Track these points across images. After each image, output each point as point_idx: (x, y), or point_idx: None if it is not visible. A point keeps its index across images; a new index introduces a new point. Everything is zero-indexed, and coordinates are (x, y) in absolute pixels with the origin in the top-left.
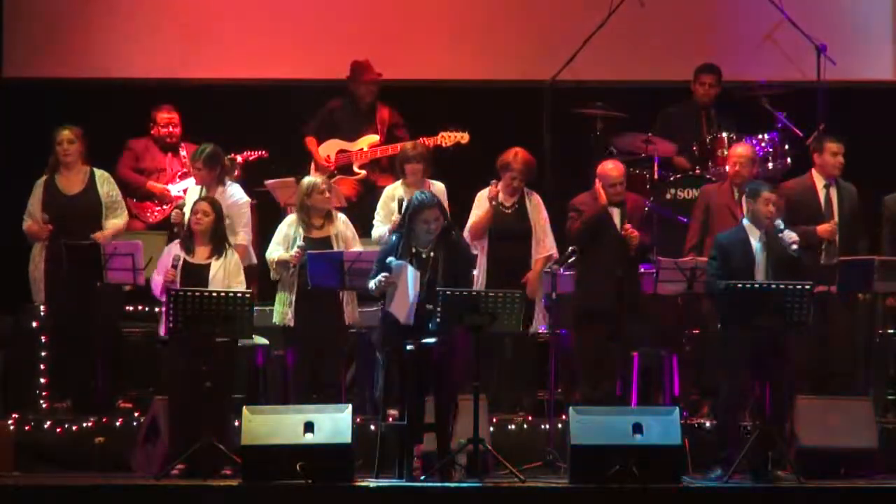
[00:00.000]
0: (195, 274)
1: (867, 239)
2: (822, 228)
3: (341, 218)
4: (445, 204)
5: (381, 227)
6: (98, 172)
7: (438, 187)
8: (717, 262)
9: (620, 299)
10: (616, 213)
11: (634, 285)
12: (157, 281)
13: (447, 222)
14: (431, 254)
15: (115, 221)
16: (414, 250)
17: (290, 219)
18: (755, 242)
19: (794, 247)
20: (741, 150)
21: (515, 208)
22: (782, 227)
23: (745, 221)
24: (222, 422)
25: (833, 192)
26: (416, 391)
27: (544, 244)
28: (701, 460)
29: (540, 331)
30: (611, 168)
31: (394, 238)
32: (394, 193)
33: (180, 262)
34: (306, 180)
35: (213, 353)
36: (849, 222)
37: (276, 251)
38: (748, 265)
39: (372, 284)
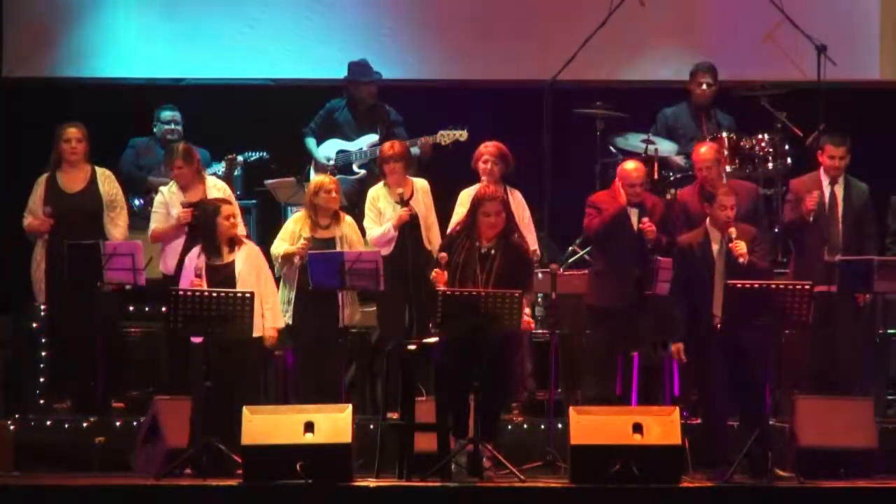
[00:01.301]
0: (220, 274)
1: (875, 240)
2: (807, 200)
3: (348, 220)
4: (429, 200)
5: (376, 228)
6: (100, 170)
7: (421, 184)
8: (676, 267)
9: (634, 300)
10: (634, 214)
11: (647, 286)
12: None
13: (509, 224)
14: (492, 251)
15: (122, 225)
16: (476, 244)
17: (297, 216)
18: (716, 246)
19: (741, 260)
20: (704, 152)
21: None
22: (733, 237)
23: (709, 223)
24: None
25: (838, 190)
26: (455, 386)
27: (527, 241)
28: (701, 460)
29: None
30: (632, 168)
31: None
32: (377, 194)
33: (203, 272)
34: (314, 179)
35: (235, 353)
36: (855, 221)
37: (281, 246)
38: (708, 269)
39: None
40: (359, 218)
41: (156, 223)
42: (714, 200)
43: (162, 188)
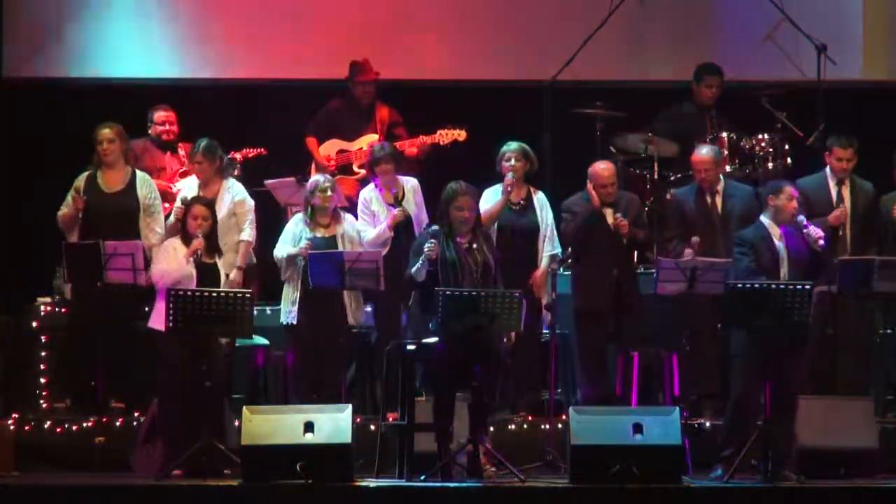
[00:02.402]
0: (209, 272)
1: (877, 243)
2: (833, 216)
3: (348, 218)
4: (420, 199)
5: (371, 230)
6: (140, 174)
7: (412, 183)
8: (749, 258)
9: (617, 299)
10: (609, 214)
11: (631, 285)
12: (166, 270)
13: (478, 217)
14: (474, 245)
15: (158, 230)
16: (458, 240)
17: (298, 217)
18: (776, 240)
19: (821, 242)
20: (704, 153)
21: (522, 205)
22: (805, 221)
23: (765, 219)
24: (220, 422)
25: (845, 191)
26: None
27: (552, 242)
28: (701, 460)
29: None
30: (602, 169)
31: (430, 230)
32: (370, 196)
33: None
34: (311, 179)
35: (211, 353)
36: (861, 221)
37: (283, 249)
38: (774, 262)
39: (420, 261)
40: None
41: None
42: (780, 192)
43: (183, 185)
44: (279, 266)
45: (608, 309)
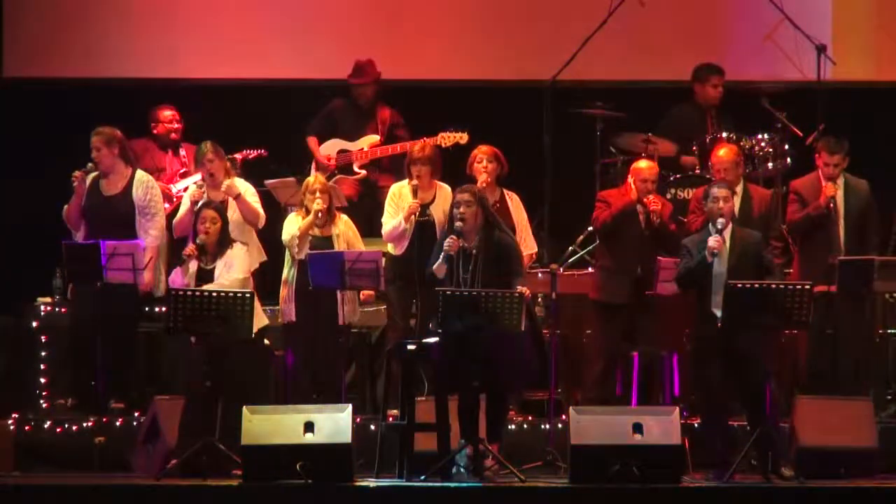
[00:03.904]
0: (206, 278)
1: (877, 238)
2: (823, 197)
3: (343, 218)
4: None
5: (391, 220)
6: (139, 175)
7: (445, 191)
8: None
9: (638, 298)
10: (642, 212)
11: (648, 286)
12: (176, 283)
13: (489, 220)
14: (474, 251)
15: (153, 233)
16: (461, 243)
17: (299, 211)
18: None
19: (706, 253)
20: (723, 153)
21: (497, 207)
22: (716, 228)
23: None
24: (234, 423)
25: (839, 190)
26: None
27: (527, 242)
28: (701, 460)
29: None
30: (645, 166)
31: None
32: (399, 190)
33: (193, 255)
34: (305, 180)
35: (232, 354)
36: (856, 219)
37: (292, 227)
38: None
39: (440, 257)
40: (360, 219)
41: (179, 214)
42: (708, 192)
43: (192, 184)
44: (291, 248)
45: (628, 307)
